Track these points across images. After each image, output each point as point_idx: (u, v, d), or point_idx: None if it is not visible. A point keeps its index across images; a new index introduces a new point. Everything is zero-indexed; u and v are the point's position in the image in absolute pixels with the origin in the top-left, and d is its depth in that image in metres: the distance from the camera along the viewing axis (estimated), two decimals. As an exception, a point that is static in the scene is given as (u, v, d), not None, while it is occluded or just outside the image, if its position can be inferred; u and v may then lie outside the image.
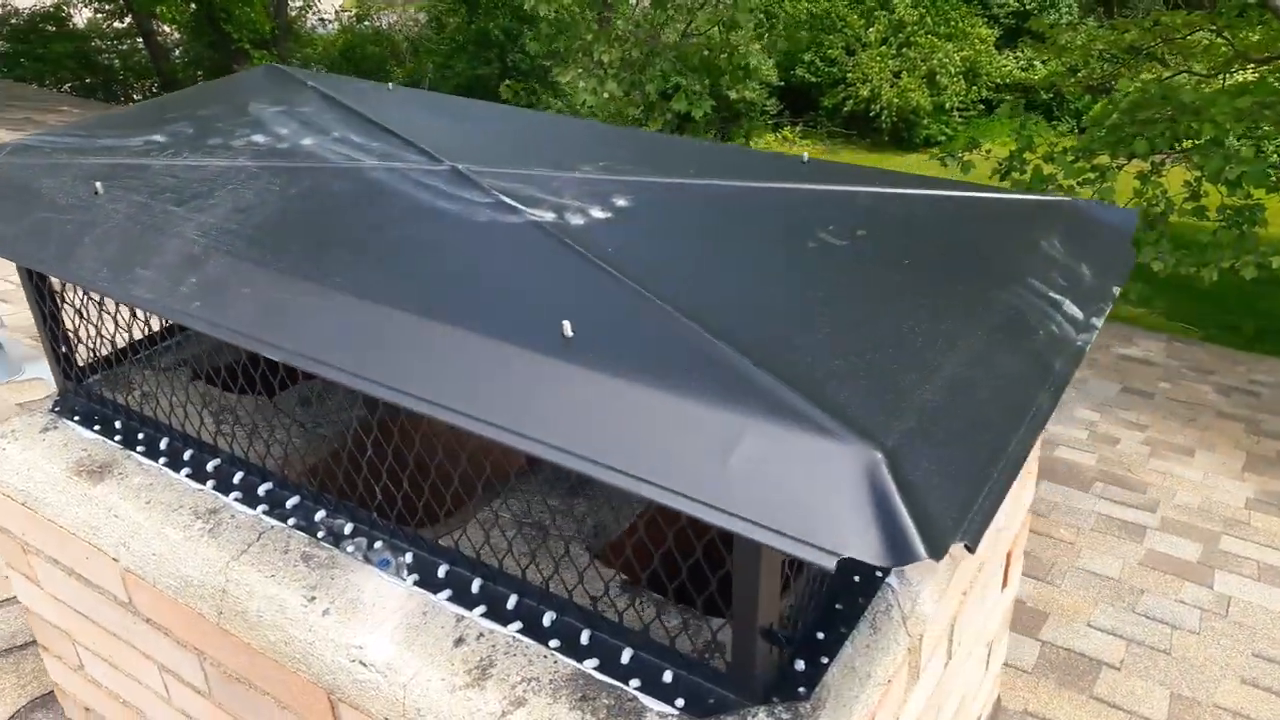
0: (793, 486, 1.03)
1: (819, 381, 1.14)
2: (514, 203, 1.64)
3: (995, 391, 1.21)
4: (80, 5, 19.03)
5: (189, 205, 1.70)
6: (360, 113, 2.07)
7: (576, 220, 1.59)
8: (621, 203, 1.65)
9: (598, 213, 1.62)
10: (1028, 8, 20.27)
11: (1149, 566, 3.52)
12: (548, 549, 1.63)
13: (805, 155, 1.81)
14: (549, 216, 1.60)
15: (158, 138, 1.99)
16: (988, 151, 9.95)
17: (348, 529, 1.68)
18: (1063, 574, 3.45)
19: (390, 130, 1.96)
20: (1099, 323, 1.38)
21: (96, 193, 1.77)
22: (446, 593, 1.55)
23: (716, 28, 11.32)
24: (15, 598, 2.36)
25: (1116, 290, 1.46)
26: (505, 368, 1.26)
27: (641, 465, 1.11)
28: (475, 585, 1.55)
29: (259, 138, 1.97)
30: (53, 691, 2.44)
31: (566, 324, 1.28)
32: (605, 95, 10.49)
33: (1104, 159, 8.82)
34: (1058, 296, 1.39)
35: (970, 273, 1.44)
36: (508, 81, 13.14)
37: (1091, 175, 8.70)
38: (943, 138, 19.36)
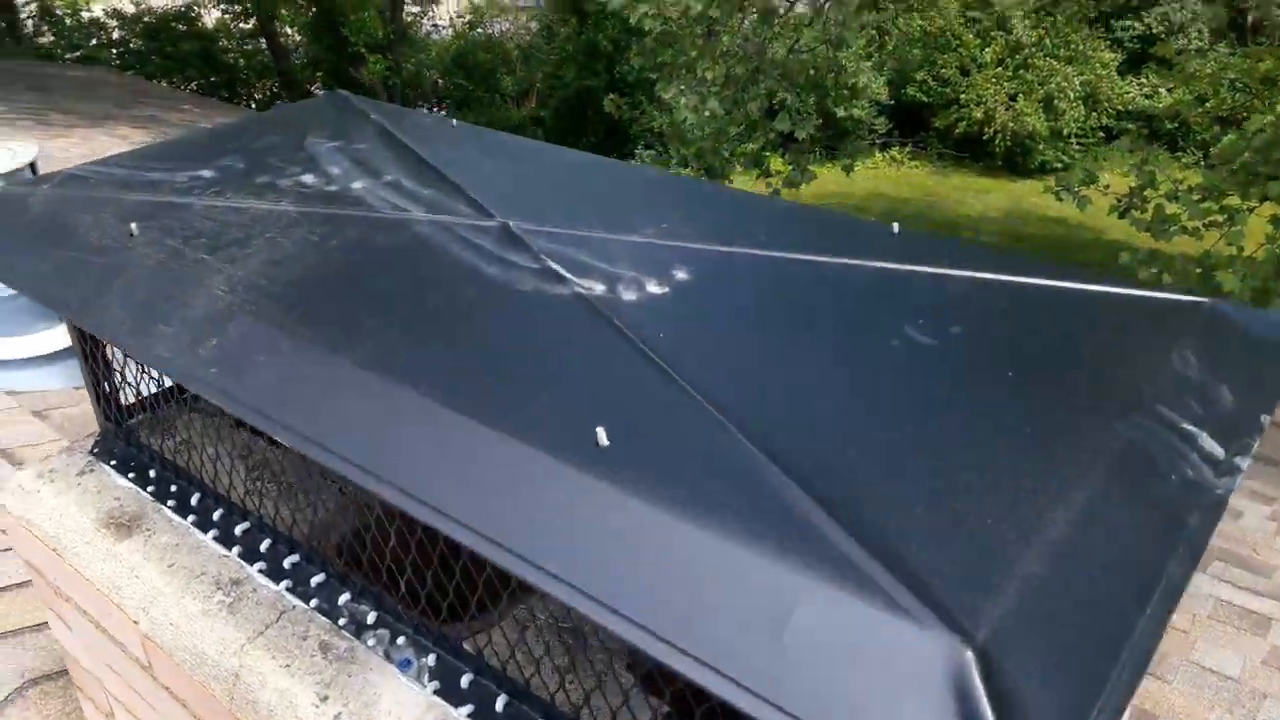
0: (855, 680, 0.83)
1: (899, 538, 0.94)
2: (562, 270, 1.47)
3: (1114, 558, 0.99)
4: (210, 6, 19.65)
5: (222, 253, 1.58)
6: (417, 153, 1.93)
7: (628, 295, 1.41)
8: (681, 275, 1.47)
9: (653, 287, 1.44)
10: (1154, 32, 19.38)
11: (1274, 667, 3.17)
12: (587, 663, 1.45)
13: (895, 226, 1.60)
14: (598, 289, 1.42)
15: (206, 172, 1.88)
16: (1106, 187, 9.42)
17: (370, 618, 1.53)
18: (1175, 669, 3.13)
19: (445, 176, 1.81)
20: (1244, 463, 1.13)
21: (131, 234, 1.66)
22: (468, 709, 1.39)
23: (824, 45, 11.02)
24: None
25: (1266, 420, 1.21)
26: (524, 477, 1.09)
27: (667, 620, 0.92)
28: (500, 702, 1.38)
29: (308, 178, 1.85)
30: (88, 730, 2.36)
31: (601, 431, 1.11)
32: (707, 113, 10.30)
33: (1233, 200, 8.26)
34: (1192, 429, 1.16)
35: (1084, 393, 1.21)
36: (612, 95, 13.06)
37: (1219, 217, 8.14)
38: (1059, 164, 18.62)
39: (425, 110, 16.18)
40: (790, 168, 11.03)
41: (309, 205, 1.72)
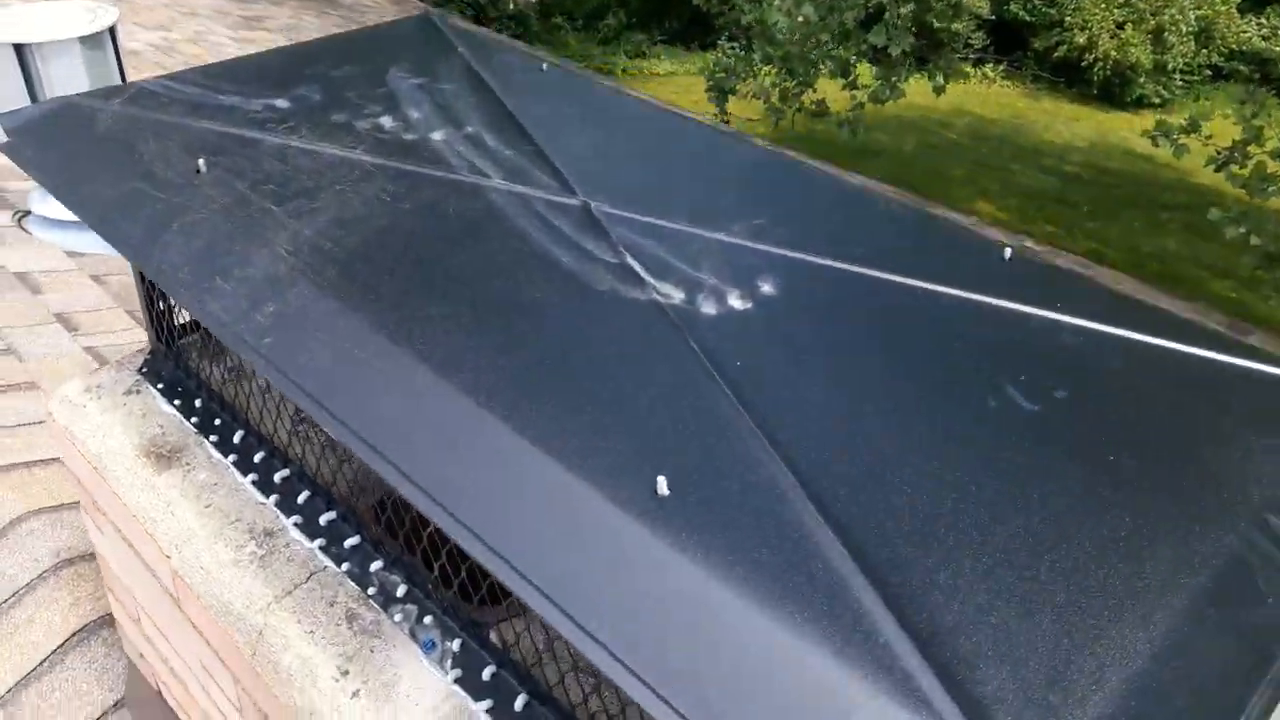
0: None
1: (967, 654, 0.89)
2: (641, 270, 1.40)
3: (1195, 698, 0.93)
4: None
5: (289, 205, 1.52)
6: (504, 105, 1.84)
7: (708, 308, 1.34)
8: (766, 289, 1.39)
9: (735, 300, 1.36)
10: (1287, -32, 18.20)
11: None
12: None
13: (1007, 251, 1.49)
14: (677, 296, 1.35)
15: (281, 102, 1.81)
16: (1208, 137, 8.94)
17: (400, 590, 1.52)
18: None
19: (529, 136, 1.73)
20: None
21: (199, 171, 1.60)
22: (487, 703, 1.38)
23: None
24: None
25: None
26: (579, 520, 1.05)
27: (707, 712, 0.89)
28: (519, 701, 1.37)
29: (387, 120, 1.77)
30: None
31: (663, 480, 1.05)
32: (800, 17, 9.91)
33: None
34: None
35: (1186, 488, 1.13)
36: (699, -12, 12.59)
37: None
38: (1157, 100, 17.78)
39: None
40: (879, 82, 10.67)
41: (384, 156, 1.65)
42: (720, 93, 11.55)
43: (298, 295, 1.36)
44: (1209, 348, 1.30)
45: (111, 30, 4.15)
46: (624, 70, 17.22)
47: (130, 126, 1.73)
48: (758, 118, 12.89)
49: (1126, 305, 1.37)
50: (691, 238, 1.48)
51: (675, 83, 16.85)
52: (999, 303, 1.34)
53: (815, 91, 11.08)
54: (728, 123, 11.79)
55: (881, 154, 14.76)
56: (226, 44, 8.15)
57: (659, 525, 1.02)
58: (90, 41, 4.04)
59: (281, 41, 8.60)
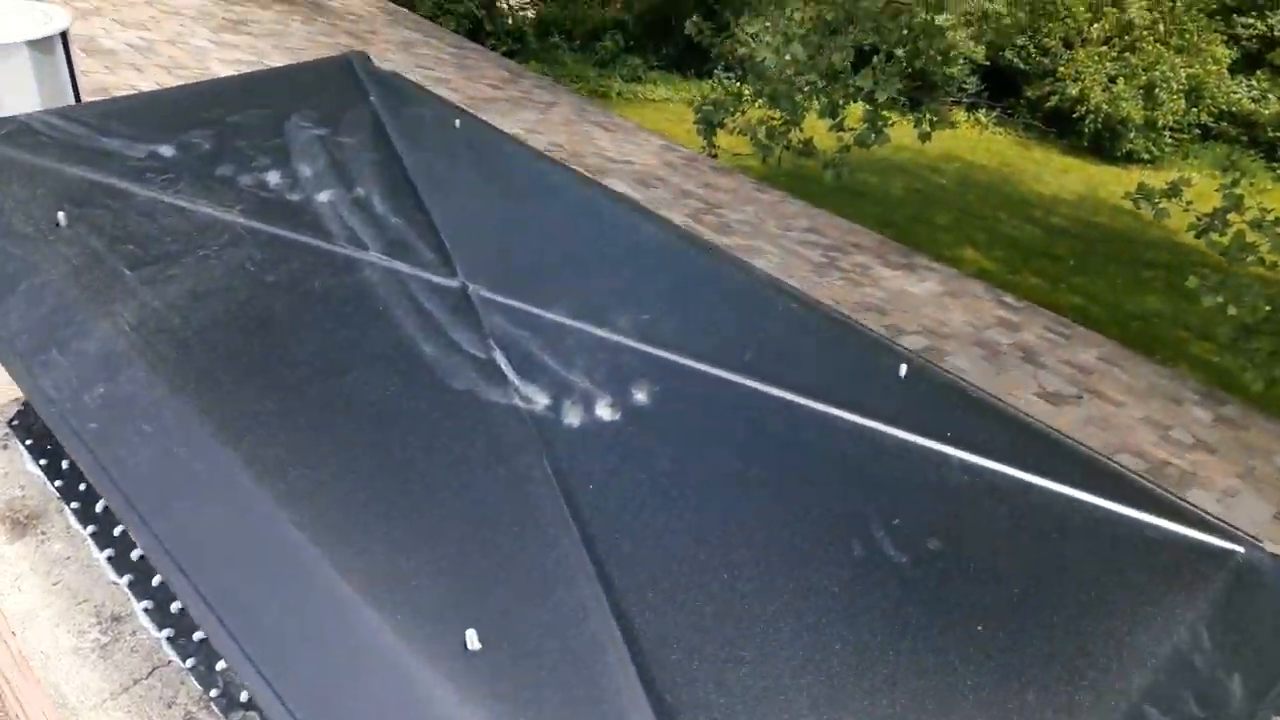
0: None
1: None
2: (508, 369, 1.29)
3: None
4: None
5: (144, 270, 1.41)
6: (402, 162, 1.73)
7: (571, 417, 1.23)
8: (639, 396, 1.28)
9: (604, 408, 1.25)
10: (1276, 34, 18.35)
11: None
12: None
13: (903, 368, 1.39)
14: (541, 402, 1.24)
15: (167, 149, 1.70)
16: (1189, 203, 8.93)
17: (244, 695, 1.40)
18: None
19: (420, 202, 1.62)
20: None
21: (57, 224, 1.49)
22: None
23: (923, 6, 10.48)
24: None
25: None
26: (383, 675, 0.94)
27: None
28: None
29: (274, 175, 1.66)
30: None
31: (473, 634, 0.95)
32: (787, 56, 9.88)
33: (1322, 243, 7.81)
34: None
35: (1067, 664, 1.02)
36: (696, 18, 12.52)
37: (1304, 254, 7.71)
38: (1146, 156, 17.89)
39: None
40: (865, 125, 10.65)
41: (261, 219, 1.54)
42: (708, 125, 11.49)
43: (129, 378, 1.25)
44: (1102, 498, 1.19)
45: (64, 35, 4.04)
46: (619, 94, 17.17)
47: (1, 168, 1.62)
48: (748, 152, 12.82)
49: (1028, 436, 1.26)
50: (571, 332, 1.38)
51: (670, 109, 16.77)
52: (886, 429, 1.24)
53: (802, 130, 11.03)
54: (715, 156, 11.71)
55: (868, 196, 14.71)
56: (207, 47, 8.07)
57: (463, 684, 0.91)
58: (39, 46, 3.92)
59: (264, 46, 8.53)
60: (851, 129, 10.60)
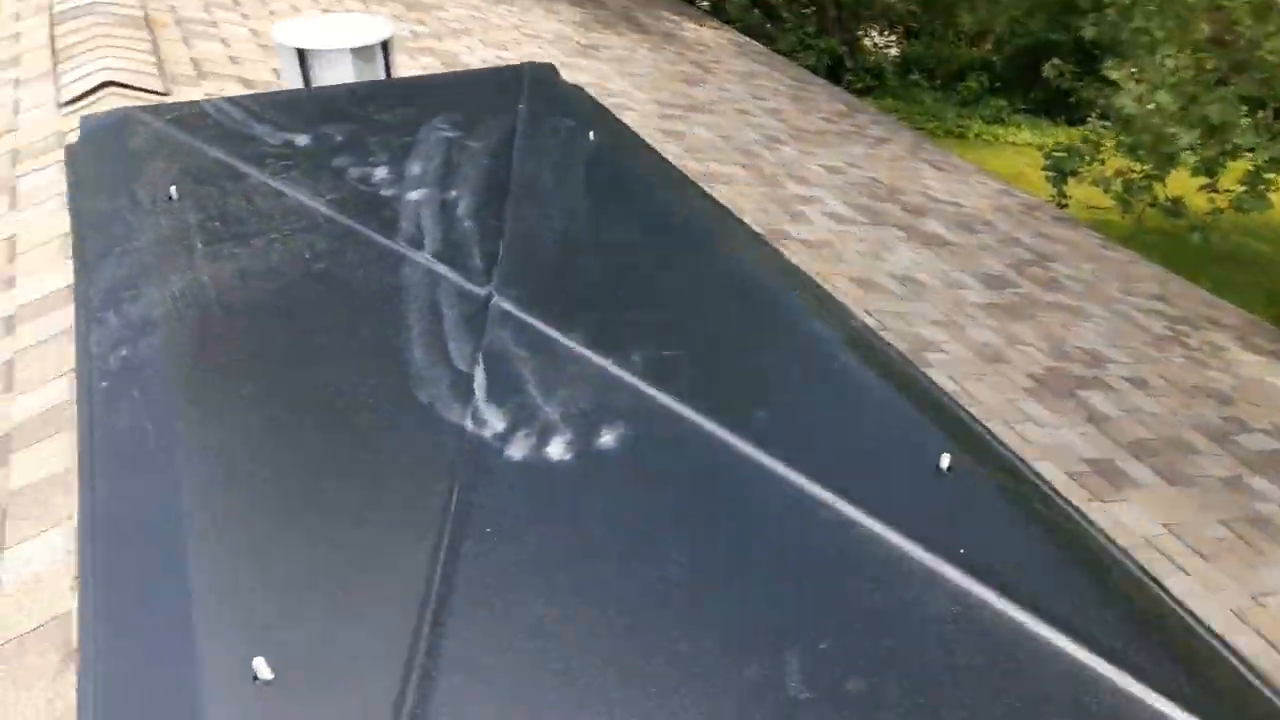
0: None
1: None
2: (480, 388, 1.20)
3: None
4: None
5: (214, 246, 1.48)
6: (510, 169, 1.70)
7: (514, 451, 1.11)
8: (607, 440, 1.13)
9: (556, 448, 1.12)
10: None
11: None
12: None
13: (946, 458, 1.12)
14: (494, 428, 1.14)
15: (300, 139, 1.78)
16: None
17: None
18: None
19: (501, 211, 1.57)
20: None
21: (170, 198, 1.60)
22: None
23: (1334, 57, 9.05)
24: None
25: None
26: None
27: None
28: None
29: (380, 171, 1.69)
30: None
31: (261, 661, 0.87)
32: (1151, 105, 8.90)
33: None
34: None
35: None
36: (1055, 60, 11.64)
37: None
38: None
39: (814, 53, 15.18)
40: (1244, 189, 9.39)
41: (341, 209, 1.57)
42: (1059, 173, 10.65)
43: (147, 345, 1.30)
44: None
45: (385, 45, 4.44)
46: (976, 134, 16.40)
47: (158, 145, 1.77)
48: (1108, 205, 11.70)
49: (1115, 594, 0.97)
50: (575, 359, 1.26)
51: (1030, 155, 15.74)
52: (903, 543, 0.98)
53: (1165, 186, 9.91)
54: (1064, 206, 10.81)
55: (1251, 265, 12.93)
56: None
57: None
58: (362, 53, 4.34)
59: (608, 70, 8.97)
60: (1228, 191, 9.38)
